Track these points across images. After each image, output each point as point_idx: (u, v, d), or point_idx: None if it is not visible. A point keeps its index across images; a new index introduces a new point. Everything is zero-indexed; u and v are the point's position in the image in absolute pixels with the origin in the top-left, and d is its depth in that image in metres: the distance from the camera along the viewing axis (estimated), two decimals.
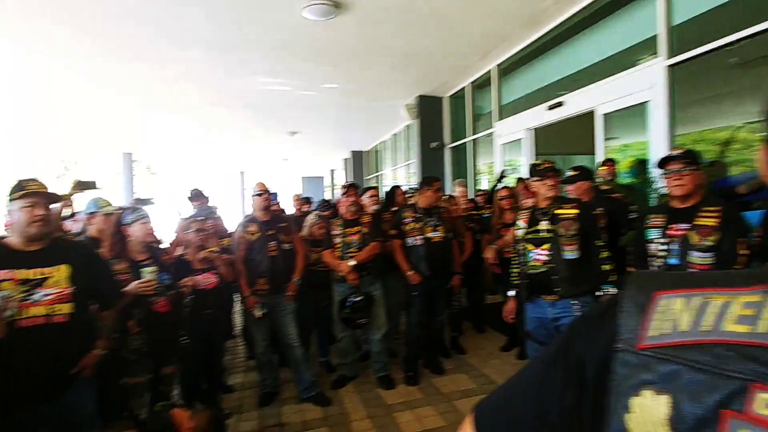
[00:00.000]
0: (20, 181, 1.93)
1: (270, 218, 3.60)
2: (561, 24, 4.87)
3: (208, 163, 16.81)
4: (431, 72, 6.41)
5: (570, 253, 2.49)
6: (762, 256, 2.09)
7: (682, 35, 3.69)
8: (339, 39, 4.98)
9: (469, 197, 5.27)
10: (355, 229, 3.80)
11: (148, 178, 20.93)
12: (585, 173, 3.23)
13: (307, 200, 5.81)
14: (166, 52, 5.18)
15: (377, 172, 12.94)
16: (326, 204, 4.94)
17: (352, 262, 3.63)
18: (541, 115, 5.25)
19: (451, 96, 7.65)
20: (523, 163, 5.66)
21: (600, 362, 0.45)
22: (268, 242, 3.48)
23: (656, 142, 3.80)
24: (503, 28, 4.97)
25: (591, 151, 4.61)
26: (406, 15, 4.48)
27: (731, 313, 0.40)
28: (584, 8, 4.55)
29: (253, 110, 8.22)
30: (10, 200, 1.89)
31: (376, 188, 4.69)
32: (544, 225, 2.58)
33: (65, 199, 3.66)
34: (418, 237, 3.73)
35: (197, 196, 4.50)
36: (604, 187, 3.83)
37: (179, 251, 3.33)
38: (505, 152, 6.15)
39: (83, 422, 2.02)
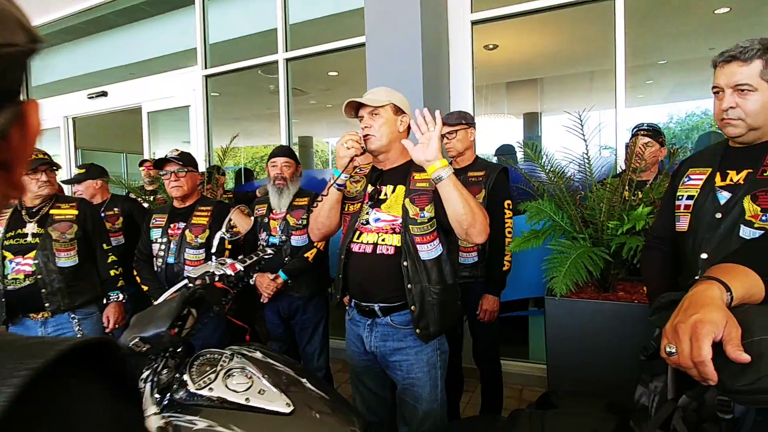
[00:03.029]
0: None
1: None
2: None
3: None
4: None
5: (66, 260, 2.14)
6: None
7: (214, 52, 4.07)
8: None
9: None
10: None
11: None
12: (95, 171, 2.93)
13: None
14: None
15: None
16: None
17: None
18: (82, 104, 4.57)
19: None
20: (60, 156, 4.75)
21: None
22: None
23: (195, 145, 4.01)
24: None
25: (137, 150, 4.39)
26: None
27: None
28: None
29: None
30: None
31: None
32: (31, 228, 2.11)
33: None
34: None
35: None
36: (149, 188, 3.71)
37: None
38: (39, 141, 4.99)
39: None
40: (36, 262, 2.08)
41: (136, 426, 0.35)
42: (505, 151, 3.26)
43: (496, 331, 2.31)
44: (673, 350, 0.70)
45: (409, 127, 1.60)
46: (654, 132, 2.25)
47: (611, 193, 1.81)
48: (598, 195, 1.87)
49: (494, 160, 3.27)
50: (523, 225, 2.12)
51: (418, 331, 1.49)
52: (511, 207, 2.23)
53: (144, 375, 1.19)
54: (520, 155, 3.15)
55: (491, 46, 3.66)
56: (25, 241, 2.10)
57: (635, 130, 2.31)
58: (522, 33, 3.57)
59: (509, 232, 2.21)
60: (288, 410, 1.19)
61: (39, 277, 2.08)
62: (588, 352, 1.72)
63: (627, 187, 1.86)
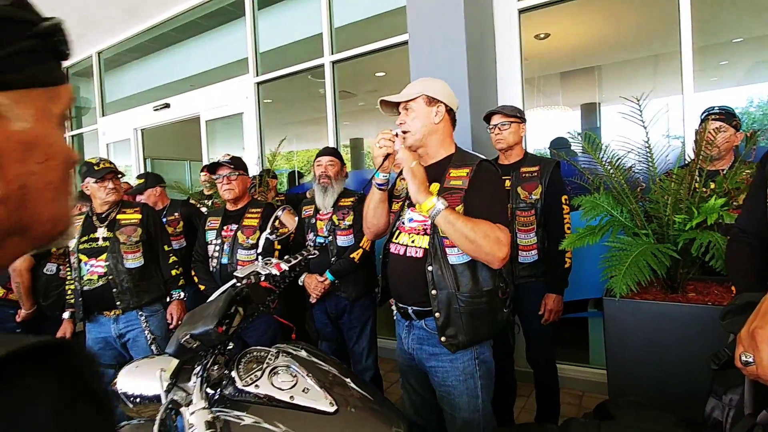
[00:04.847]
0: None
1: None
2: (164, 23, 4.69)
3: None
4: None
5: (133, 261, 2.29)
6: None
7: (265, 60, 4.21)
8: None
9: None
10: None
11: None
12: (153, 179, 3.11)
13: None
14: None
15: None
16: None
17: None
18: (148, 116, 4.91)
19: None
20: (132, 166, 5.13)
21: None
22: None
23: (249, 151, 4.17)
24: (96, 7, 4.34)
25: (198, 158, 4.63)
26: None
27: None
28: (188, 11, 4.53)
29: None
30: None
31: None
32: (101, 232, 2.28)
33: None
34: None
35: None
36: (208, 192, 3.91)
37: None
38: (113, 153, 5.43)
39: None
40: (107, 263, 2.25)
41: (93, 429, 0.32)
42: (560, 143, 3.10)
43: (550, 333, 2.20)
44: (750, 359, 0.62)
45: (450, 117, 1.54)
46: (727, 115, 2.04)
47: (677, 185, 1.66)
48: (663, 187, 1.72)
49: (548, 153, 3.12)
50: (577, 221, 2.00)
51: (443, 339, 1.41)
52: (568, 202, 2.12)
53: (196, 370, 1.24)
54: (574, 147, 2.98)
55: (542, 36, 3.50)
56: (97, 244, 2.28)
57: (705, 114, 2.11)
58: (574, 19, 3.38)
59: (569, 228, 2.10)
60: (332, 409, 1.19)
61: (110, 277, 2.24)
62: (653, 359, 1.58)
63: (697, 178, 1.69)
